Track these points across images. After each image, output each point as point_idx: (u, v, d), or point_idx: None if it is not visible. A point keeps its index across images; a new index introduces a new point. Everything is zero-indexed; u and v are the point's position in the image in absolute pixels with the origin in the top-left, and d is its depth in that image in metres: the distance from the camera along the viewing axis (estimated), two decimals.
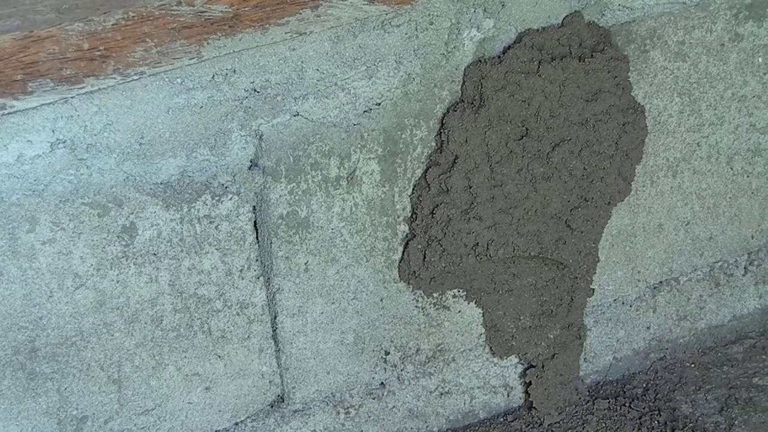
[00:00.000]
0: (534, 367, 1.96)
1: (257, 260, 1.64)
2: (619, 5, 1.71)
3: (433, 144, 1.68)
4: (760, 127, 1.95)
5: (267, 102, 1.54)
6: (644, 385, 2.07)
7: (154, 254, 1.56)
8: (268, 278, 1.67)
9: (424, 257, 1.74)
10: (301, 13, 1.47)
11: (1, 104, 1.36)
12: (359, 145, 1.63)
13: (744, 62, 1.86)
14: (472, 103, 1.66)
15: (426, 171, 1.69)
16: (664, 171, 1.90)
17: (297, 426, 1.82)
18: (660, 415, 1.99)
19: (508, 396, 2.00)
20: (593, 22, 1.69)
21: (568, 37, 1.68)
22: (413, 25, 1.58)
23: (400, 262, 1.75)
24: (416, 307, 1.81)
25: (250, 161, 1.58)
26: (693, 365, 2.11)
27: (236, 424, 1.77)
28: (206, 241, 1.58)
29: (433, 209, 1.70)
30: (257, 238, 1.63)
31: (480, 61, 1.64)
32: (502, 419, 2.00)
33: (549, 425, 1.98)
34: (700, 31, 1.79)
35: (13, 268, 1.47)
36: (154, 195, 1.52)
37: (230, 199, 1.57)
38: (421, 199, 1.70)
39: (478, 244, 1.74)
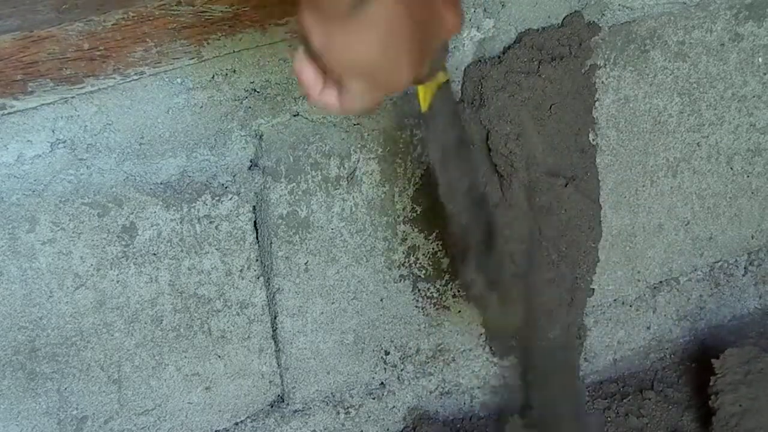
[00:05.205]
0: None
1: (257, 260, 1.64)
2: (619, 5, 1.71)
3: None
4: (760, 127, 1.94)
5: (267, 102, 1.54)
6: None
7: (154, 254, 1.56)
8: (268, 278, 1.67)
9: None
10: None
11: (1, 104, 1.36)
12: (359, 145, 1.63)
13: (744, 62, 1.86)
14: (472, 103, 1.66)
15: (426, 171, 1.69)
16: (664, 171, 1.89)
17: (297, 426, 1.82)
18: None
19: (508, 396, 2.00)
20: (593, 22, 1.69)
21: (568, 37, 1.67)
22: None
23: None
24: (416, 307, 1.81)
25: (250, 161, 1.58)
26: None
27: (236, 424, 1.77)
28: (206, 241, 1.58)
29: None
30: (257, 238, 1.63)
31: (480, 61, 1.64)
32: None
33: None
34: (700, 31, 1.79)
35: (13, 268, 1.47)
36: (154, 195, 1.52)
37: (230, 199, 1.57)
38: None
39: None
